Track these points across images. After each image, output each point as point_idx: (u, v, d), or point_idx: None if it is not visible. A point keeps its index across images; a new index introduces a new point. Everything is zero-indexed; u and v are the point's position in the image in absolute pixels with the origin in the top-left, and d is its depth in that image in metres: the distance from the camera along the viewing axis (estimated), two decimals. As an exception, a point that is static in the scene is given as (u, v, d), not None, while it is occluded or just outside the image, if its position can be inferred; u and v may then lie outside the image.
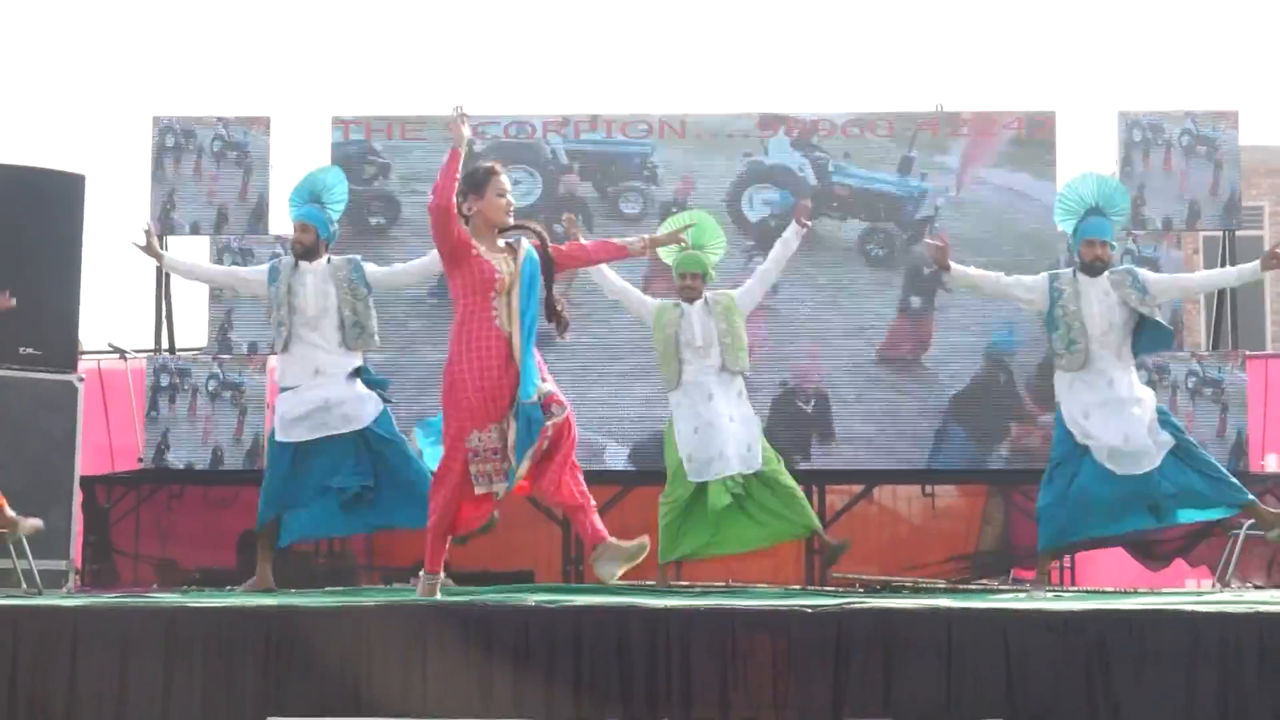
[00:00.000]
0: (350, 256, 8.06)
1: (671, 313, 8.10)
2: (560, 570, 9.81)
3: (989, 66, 29.76)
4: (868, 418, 9.79)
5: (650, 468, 9.07)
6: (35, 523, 7.38)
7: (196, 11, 28.90)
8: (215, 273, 8.61)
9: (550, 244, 6.63)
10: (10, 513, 7.28)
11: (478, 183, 6.59)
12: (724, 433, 7.88)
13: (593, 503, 6.48)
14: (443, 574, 6.70)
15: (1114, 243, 7.85)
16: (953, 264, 7.85)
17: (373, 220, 10.04)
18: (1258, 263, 7.73)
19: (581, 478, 6.48)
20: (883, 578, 8.83)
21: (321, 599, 6.51)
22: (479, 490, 6.47)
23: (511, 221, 6.61)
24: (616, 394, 9.78)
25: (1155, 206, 9.83)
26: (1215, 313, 10.14)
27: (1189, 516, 7.86)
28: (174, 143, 10.09)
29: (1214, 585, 8.75)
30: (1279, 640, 5.57)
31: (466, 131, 6.48)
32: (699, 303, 8.11)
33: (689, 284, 8.13)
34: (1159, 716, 5.50)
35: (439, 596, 6.52)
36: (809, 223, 8.25)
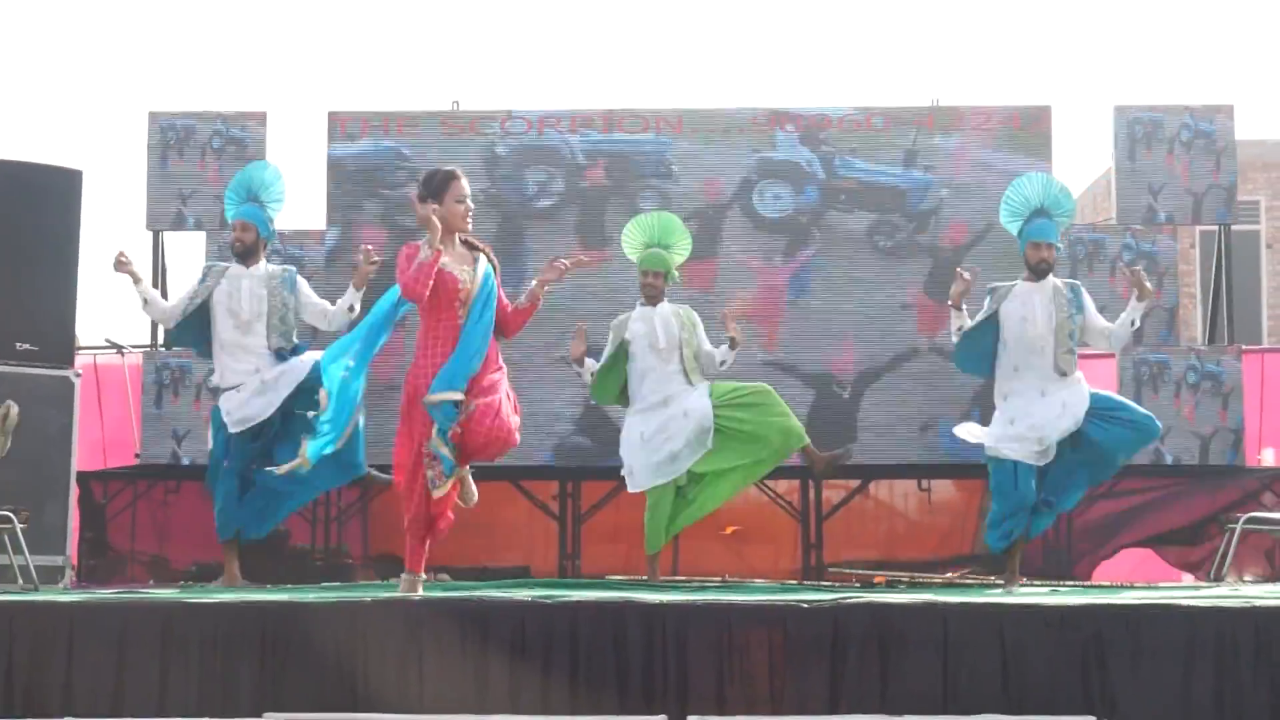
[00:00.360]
0: (287, 267, 8.15)
1: (622, 324, 8.07)
2: (556, 566, 9.80)
3: (984, 62, 29.76)
4: (891, 408, 9.75)
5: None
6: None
7: (192, 7, 28.87)
8: (161, 308, 8.30)
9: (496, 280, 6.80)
10: None
11: (436, 188, 6.69)
12: (676, 435, 7.88)
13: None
14: (424, 574, 6.81)
15: (1059, 245, 7.86)
16: (963, 308, 7.83)
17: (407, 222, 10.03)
18: (1135, 298, 7.71)
19: None
20: (879, 572, 8.84)
21: (318, 594, 6.52)
22: (435, 494, 6.60)
23: (469, 228, 6.76)
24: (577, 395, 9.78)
25: (1150, 200, 9.81)
26: (1211, 307, 10.13)
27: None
28: (171, 138, 10.06)
29: (1210, 580, 8.75)
30: (1274, 635, 5.59)
31: (438, 224, 6.56)
32: (664, 305, 8.08)
33: (650, 281, 8.08)
34: (1155, 711, 5.52)
35: (420, 593, 6.55)
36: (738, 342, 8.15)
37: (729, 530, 9.60)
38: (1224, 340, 9.87)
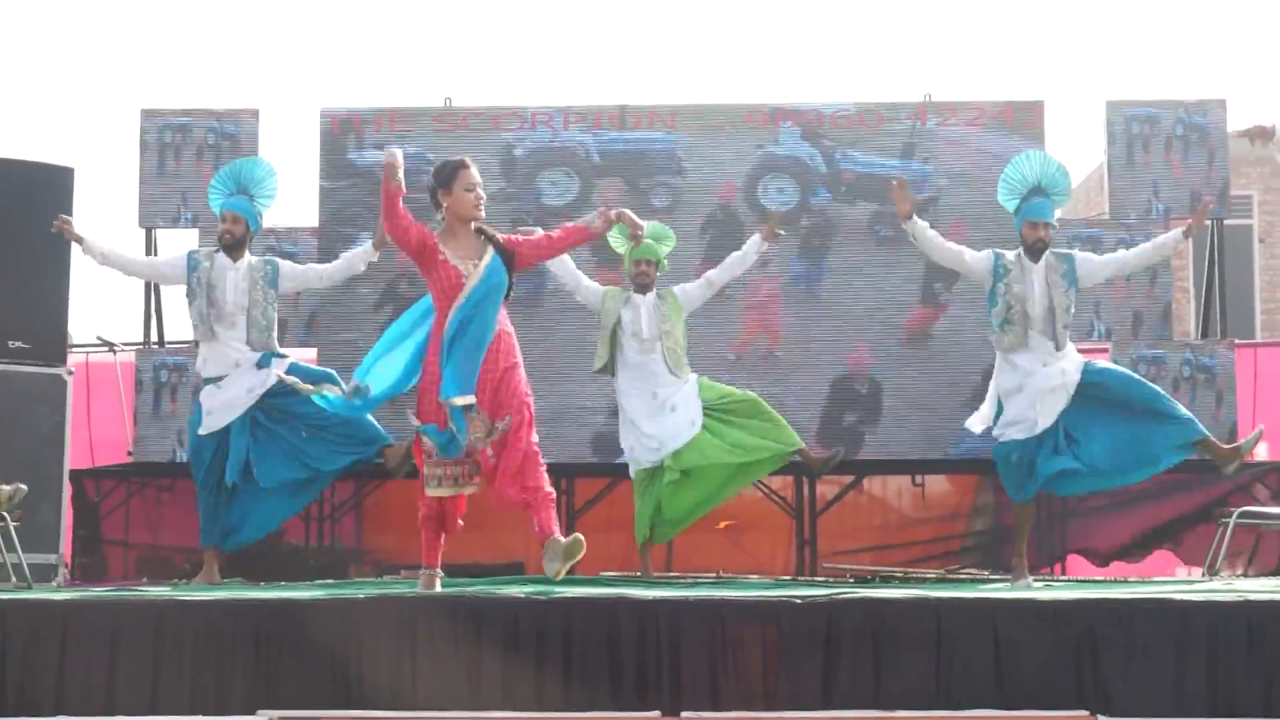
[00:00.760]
0: (269, 258, 8.12)
1: (617, 299, 8.13)
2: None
3: (976, 57, 29.76)
4: (905, 400, 9.75)
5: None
6: None
7: (185, 4, 28.84)
8: (133, 263, 8.37)
9: (517, 238, 6.78)
10: None
11: (446, 178, 6.68)
12: (665, 424, 7.91)
13: (546, 495, 6.62)
14: (439, 569, 6.75)
15: (1055, 223, 7.88)
16: (916, 218, 7.83)
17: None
18: (1179, 231, 7.87)
19: (539, 471, 6.60)
20: (873, 568, 8.84)
21: (311, 591, 6.52)
22: (428, 491, 6.60)
23: (483, 215, 6.70)
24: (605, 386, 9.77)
25: (1143, 195, 9.81)
26: (1204, 300, 10.14)
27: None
28: (164, 136, 10.05)
29: (1203, 574, 8.76)
30: (1267, 629, 5.59)
31: (399, 173, 6.54)
32: (651, 295, 8.14)
33: (643, 270, 8.15)
34: (1148, 705, 5.52)
35: (439, 588, 6.54)
36: (780, 233, 8.26)
37: (723, 525, 9.61)
38: (1217, 334, 9.88)
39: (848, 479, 10.08)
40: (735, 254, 8.38)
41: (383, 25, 28.96)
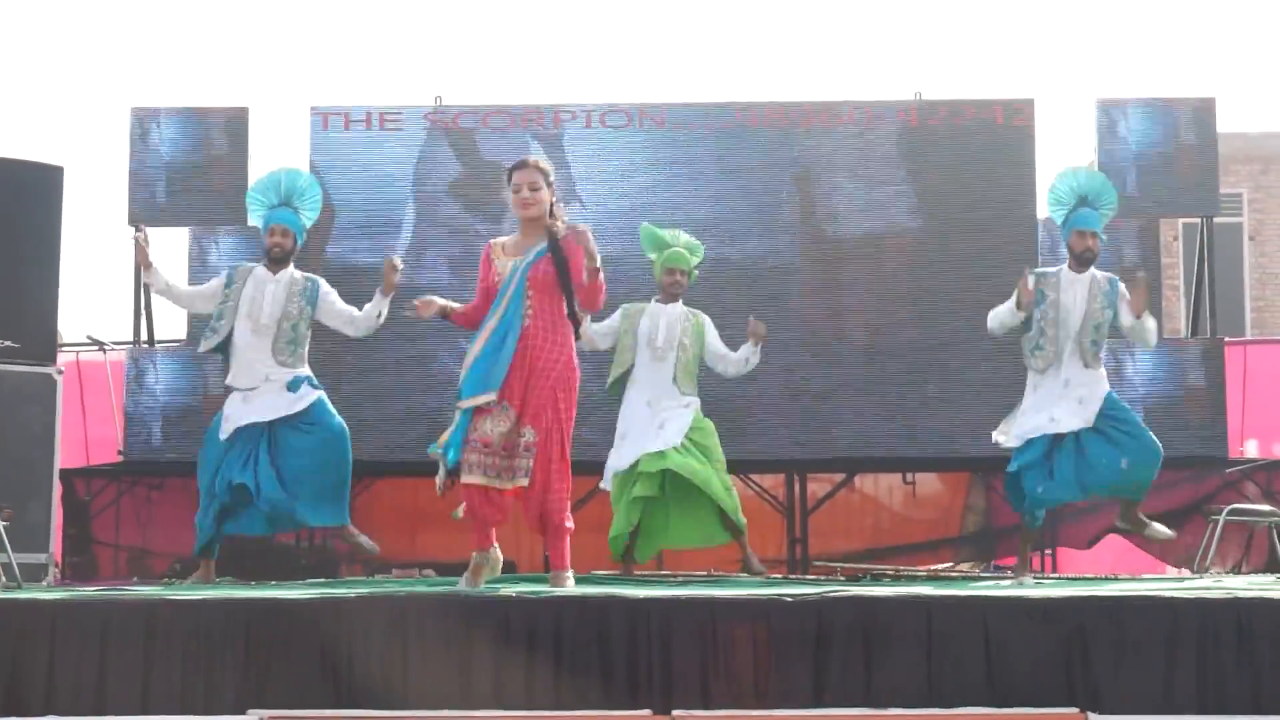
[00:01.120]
0: (311, 276, 7.92)
1: (638, 312, 8.05)
2: (542, 561, 9.78)
3: (967, 55, 29.78)
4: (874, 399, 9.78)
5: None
6: None
7: (175, 2, 28.81)
8: (183, 295, 8.20)
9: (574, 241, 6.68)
10: None
11: (507, 180, 6.82)
12: (648, 436, 7.84)
13: (557, 528, 6.75)
14: (492, 550, 6.77)
15: (1103, 235, 7.86)
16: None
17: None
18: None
19: (554, 501, 6.71)
20: (864, 566, 8.85)
21: (302, 590, 6.51)
22: (462, 478, 6.61)
23: (528, 215, 6.73)
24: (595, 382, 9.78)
25: (1131, 194, 9.82)
26: (1194, 298, 10.16)
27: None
28: (152, 134, 10.05)
29: (1194, 572, 8.78)
30: (1256, 625, 5.61)
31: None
32: (677, 306, 8.07)
33: (676, 279, 8.07)
34: (1138, 702, 5.54)
35: (481, 582, 6.64)
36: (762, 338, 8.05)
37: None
38: (1207, 332, 9.90)
39: (839, 477, 10.10)
40: (741, 359, 8.04)
41: (373, 23, 28.95)
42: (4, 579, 7.55)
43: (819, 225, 9.84)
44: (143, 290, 10.07)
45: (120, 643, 5.76)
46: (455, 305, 6.92)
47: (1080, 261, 7.74)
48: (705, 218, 9.66)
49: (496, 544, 6.77)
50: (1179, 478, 9.47)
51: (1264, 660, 5.57)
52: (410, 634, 5.73)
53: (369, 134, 9.89)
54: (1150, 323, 7.66)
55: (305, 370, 7.74)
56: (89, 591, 6.77)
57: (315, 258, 9.46)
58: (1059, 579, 8.32)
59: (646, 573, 8.17)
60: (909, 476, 10.31)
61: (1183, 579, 8.10)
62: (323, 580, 8.41)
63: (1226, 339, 10.06)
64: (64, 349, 9.95)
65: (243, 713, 5.61)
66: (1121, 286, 7.76)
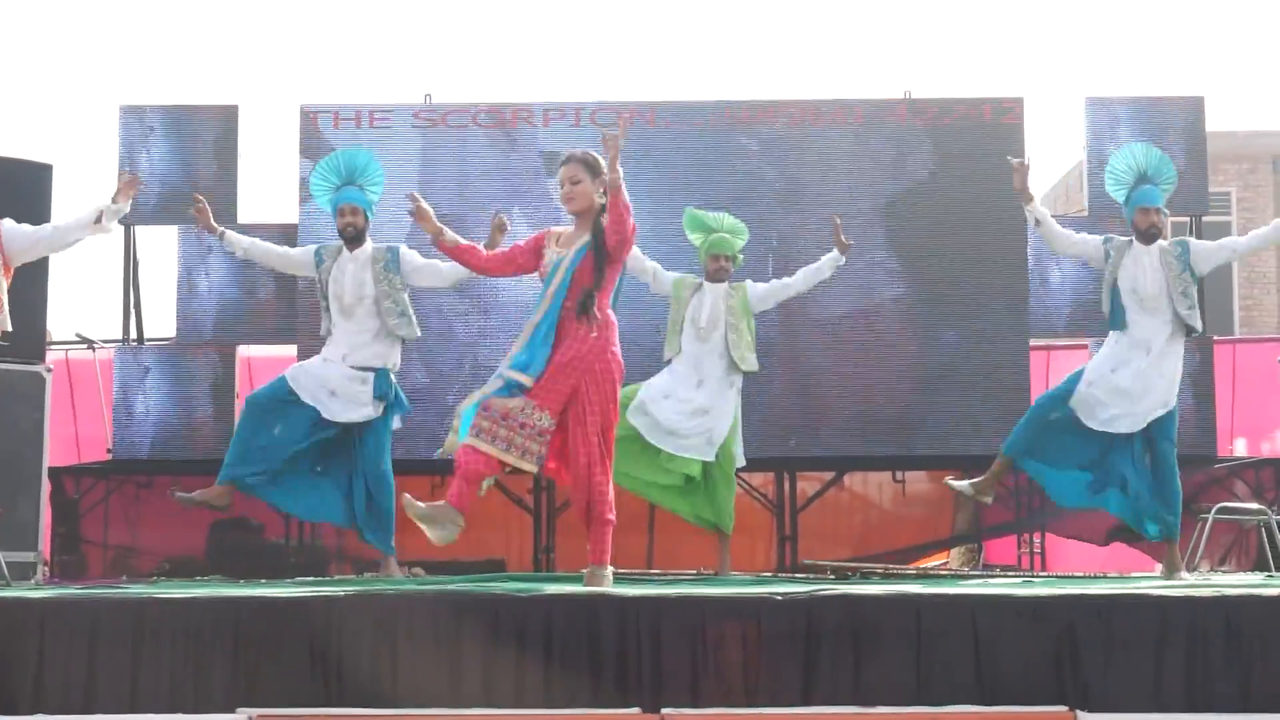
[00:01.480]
0: (391, 245, 8.01)
1: (689, 287, 8.15)
2: (531, 559, 9.80)
3: (956, 53, 29.82)
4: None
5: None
6: None
7: (165, 1, 28.78)
8: (269, 253, 8.27)
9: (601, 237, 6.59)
10: None
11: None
12: (686, 419, 7.89)
13: (598, 516, 6.61)
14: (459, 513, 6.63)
15: (1165, 210, 7.89)
16: (1037, 203, 7.84)
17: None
18: None
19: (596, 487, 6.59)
20: (854, 564, 8.85)
21: (291, 588, 6.50)
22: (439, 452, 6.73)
23: (571, 209, 6.69)
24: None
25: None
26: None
27: (1118, 508, 7.85)
28: (142, 132, 10.04)
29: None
30: (1244, 623, 5.62)
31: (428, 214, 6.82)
32: (721, 286, 8.14)
33: (722, 265, 8.16)
34: (1127, 700, 5.54)
35: (436, 532, 6.58)
36: (848, 245, 8.22)
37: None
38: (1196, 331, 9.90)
39: (828, 475, 10.10)
40: (812, 267, 8.28)
41: (363, 22, 28.93)
42: (-7, 578, 7.55)
43: (806, 220, 9.83)
44: (132, 289, 10.07)
45: (109, 641, 5.75)
46: (453, 238, 6.86)
47: (1146, 238, 7.77)
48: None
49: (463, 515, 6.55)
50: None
51: (1252, 658, 5.58)
52: (399, 632, 5.72)
53: (359, 132, 9.88)
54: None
55: (396, 355, 7.88)
56: (77, 590, 6.77)
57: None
58: (1048, 577, 8.33)
59: (636, 571, 8.17)
60: (898, 475, 10.32)
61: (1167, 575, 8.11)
62: (312, 579, 8.41)
63: (1215, 338, 10.07)
64: (53, 347, 9.94)
65: (232, 711, 5.60)
66: (1192, 242, 7.88)
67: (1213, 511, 8.50)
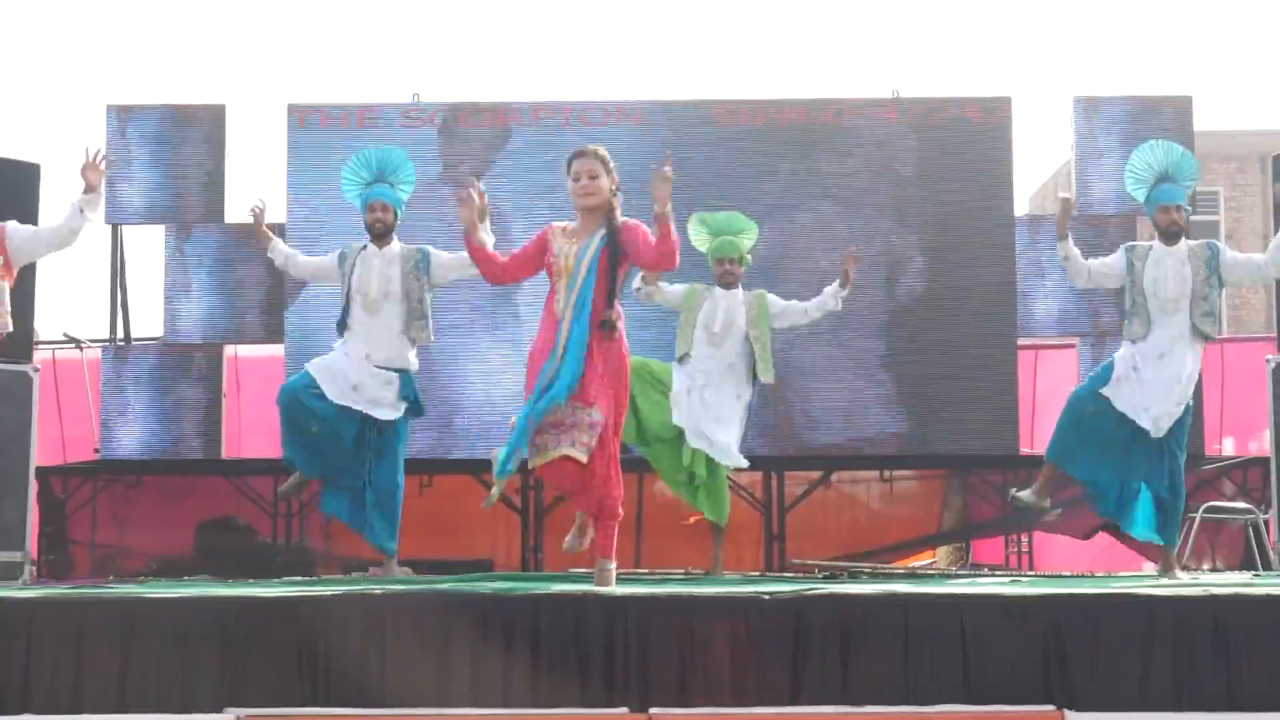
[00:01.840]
0: (421, 247, 7.95)
1: (700, 295, 8.04)
2: (519, 559, 9.80)
3: (944, 53, 29.86)
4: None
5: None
6: None
7: (152, 1, 28.74)
8: (305, 266, 8.27)
9: (632, 223, 6.55)
10: None
11: (566, 169, 6.71)
12: (703, 422, 7.87)
13: (606, 510, 6.60)
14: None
15: (1187, 207, 7.80)
16: (1069, 240, 7.72)
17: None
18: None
19: (605, 482, 6.55)
20: (842, 563, 8.86)
21: (279, 589, 6.49)
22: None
23: (587, 204, 6.60)
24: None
25: (1111, 191, 9.84)
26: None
27: (1122, 518, 7.81)
28: (129, 131, 10.03)
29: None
30: (1232, 623, 5.63)
31: (476, 199, 6.72)
32: (736, 291, 8.05)
33: (728, 269, 8.06)
34: (1115, 699, 5.55)
35: (584, 542, 6.77)
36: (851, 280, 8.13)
37: (691, 520, 9.61)
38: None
39: (816, 475, 10.10)
40: (821, 301, 8.14)
41: (351, 21, 28.91)
42: (-21, 577, 7.54)
43: (795, 218, 9.84)
44: (119, 289, 10.06)
45: (97, 641, 5.74)
46: (481, 239, 6.84)
47: (1168, 236, 7.64)
48: (685, 213, 9.65)
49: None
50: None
51: (1240, 658, 5.58)
52: (387, 632, 5.72)
53: (346, 131, 9.87)
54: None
55: (413, 356, 7.85)
56: (65, 589, 6.75)
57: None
58: (1036, 576, 8.35)
59: (624, 571, 8.17)
60: (886, 474, 10.33)
61: (1159, 577, 8.12)
62: (300, 579, 8.40)
63: (1203, 337, 10.08)
64: (40, 346, 9.92)
65: (220, 711, 5.60)
66: (1222, 248, 7.72)
67: (1200, 510, 8.51)
